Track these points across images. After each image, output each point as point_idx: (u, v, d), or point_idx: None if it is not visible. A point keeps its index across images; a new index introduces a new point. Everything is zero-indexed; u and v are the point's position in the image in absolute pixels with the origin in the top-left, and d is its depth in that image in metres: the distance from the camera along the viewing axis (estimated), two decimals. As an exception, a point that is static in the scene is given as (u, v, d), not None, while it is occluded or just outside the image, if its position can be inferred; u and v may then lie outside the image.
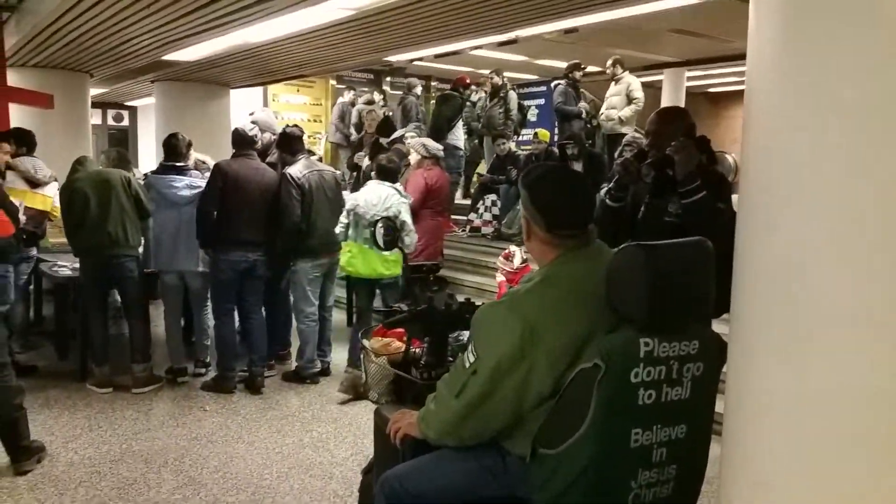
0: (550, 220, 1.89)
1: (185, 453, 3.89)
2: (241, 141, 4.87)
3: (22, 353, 5.33)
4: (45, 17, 5.49)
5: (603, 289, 1.77)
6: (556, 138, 8.89)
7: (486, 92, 9.15)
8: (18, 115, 6.88)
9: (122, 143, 15.15)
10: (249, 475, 3.63)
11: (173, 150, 5.01)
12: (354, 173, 8.07)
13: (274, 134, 5.40)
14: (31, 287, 6.00)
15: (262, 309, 5.04)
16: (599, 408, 1.65)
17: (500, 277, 5.65)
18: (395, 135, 7.79)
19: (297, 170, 4.83)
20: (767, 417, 1.56)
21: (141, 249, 5.35)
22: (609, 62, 8.29)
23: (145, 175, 5.10)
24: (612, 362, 1.64)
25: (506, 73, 9.35)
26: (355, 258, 4.77)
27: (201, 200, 4.76)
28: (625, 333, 1.70)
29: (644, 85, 8.44)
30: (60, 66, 7.82)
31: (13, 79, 7.13)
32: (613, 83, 8.28)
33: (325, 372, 5.18)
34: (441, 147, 5.94)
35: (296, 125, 5.30)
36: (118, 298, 5.40)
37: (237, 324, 5.06)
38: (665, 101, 11.62)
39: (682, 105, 11.76)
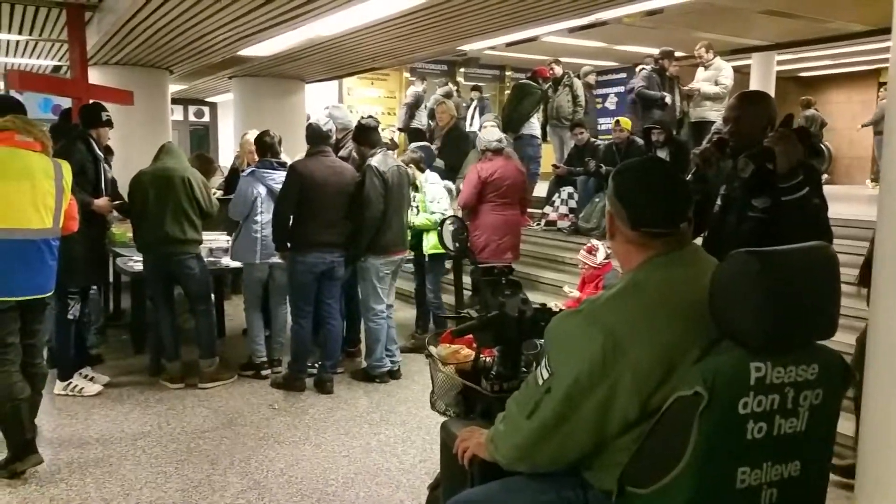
0: (637, 216, 1.64)
1: (251, 454, 3.81)
2: (317, 136, 4.73)
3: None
4: (123, 15, 5.54)
5: (700, 299, 1.51)
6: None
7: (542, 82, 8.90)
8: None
9: (203, 139, 15.55)
10: (315, 480, 3.52)
11: (269, 147, 5.01)
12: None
13: (348, 129, 5.29)
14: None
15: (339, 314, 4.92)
16: (701, 443, 1.39)
17: (571, 293, 5.40)
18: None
19: (379, 161, 4.71)
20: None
21: (225, 243, 5.38)
22: (700, 47, 7.84)
23: (252, 170, 5.05)
24: (716, 391, 1.38)
25: (584, 60, 9.11)
26: None
27: (278, 204, 4.68)
28: (732, 356, 1.44)
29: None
30: (140, 63, 7.97)
31: (95, 77, 7.28)
32: (703, 68, 7.84)
33: (395, 374, 5.03)
34: (498, 138, 5.68)
35: (371, 116, 5.16)
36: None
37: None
38: (753, 87, 10.99)
39: (772, 91, 11.13)
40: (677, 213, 1.66)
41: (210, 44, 6.84)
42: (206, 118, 15.83)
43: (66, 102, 6.83)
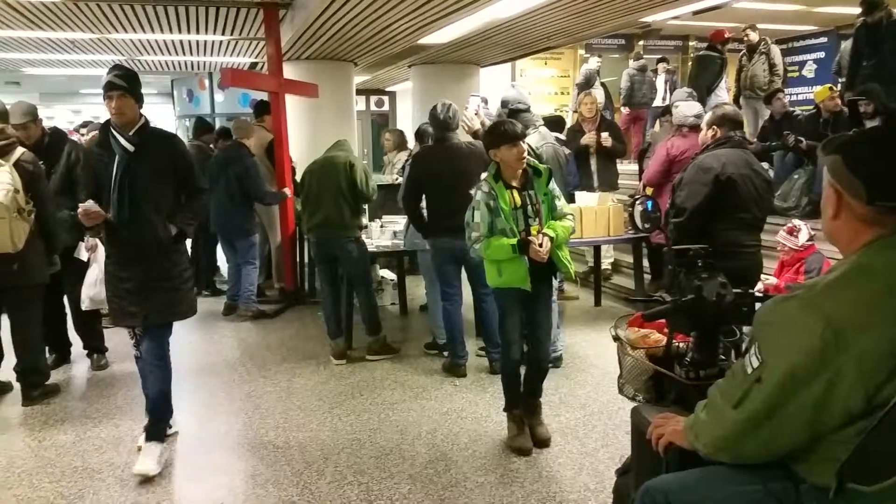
0: (876, 189, 1.50)
1: (437, 427, 3.97)
2: (435, 124, 4.71)
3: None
4: (314, 11, 5.89)
5: None
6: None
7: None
8: (293, 106, 7.58)
9: (383, 128, 16.23)
10: (498, 456, 3.59)
11: (422, 137, 5.21)
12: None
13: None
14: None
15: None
16: (940, 441, 1.26)
17: (767, 279, 4.88)
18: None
19: (533, 140, 4.66)
20: None
21: (399, 228, 5.64)
22: None
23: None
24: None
25: (779, 26, 8.46)
26: None
27: (402, 194, 4.83)
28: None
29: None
30: (328, 56, 8.42)
31: (288, 72, 7.81)
32: None
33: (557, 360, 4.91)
34: (697, 113, 5.37)
35: (518, 101, 5.08)
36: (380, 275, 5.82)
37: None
38: None
39: None
40: None
41: (392, 34, 7.10)
42: (386, 107, 16.46)
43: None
